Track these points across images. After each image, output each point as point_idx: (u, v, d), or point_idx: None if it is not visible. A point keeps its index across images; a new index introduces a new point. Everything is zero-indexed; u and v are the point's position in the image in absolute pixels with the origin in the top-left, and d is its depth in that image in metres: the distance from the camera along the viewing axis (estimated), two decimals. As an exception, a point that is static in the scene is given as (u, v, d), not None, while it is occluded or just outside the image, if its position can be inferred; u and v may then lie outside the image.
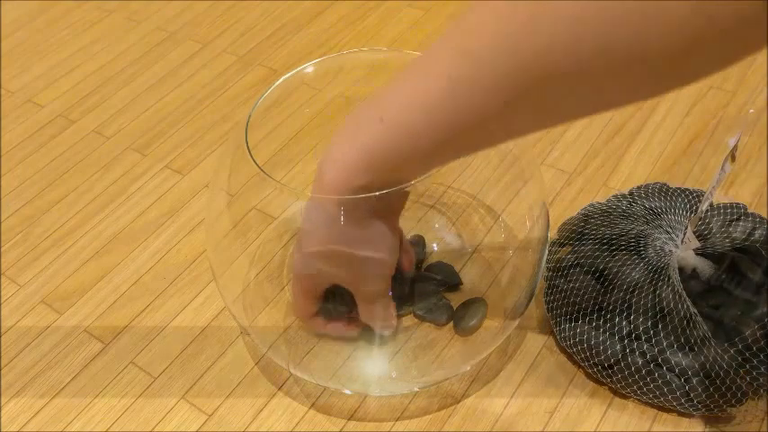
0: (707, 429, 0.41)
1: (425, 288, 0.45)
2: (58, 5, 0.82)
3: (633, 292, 0.41)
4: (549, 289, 0.45)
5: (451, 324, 0.45)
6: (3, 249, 0.56)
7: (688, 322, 0.40)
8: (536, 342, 0.46)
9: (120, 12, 0.80)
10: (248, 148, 0.38)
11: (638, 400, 0.42)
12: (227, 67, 0.71)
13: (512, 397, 0.43)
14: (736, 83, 0.60)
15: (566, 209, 0.53)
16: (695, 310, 0.39)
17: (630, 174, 0.54)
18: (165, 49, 0.74)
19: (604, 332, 0.42)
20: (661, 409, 0.42)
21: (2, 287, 0.53)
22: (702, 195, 0.45)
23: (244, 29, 0.75)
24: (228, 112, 0.66)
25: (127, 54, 0.74)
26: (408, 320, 0.46)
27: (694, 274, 0.42)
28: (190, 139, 0.63)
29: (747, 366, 0.39)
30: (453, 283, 0.46)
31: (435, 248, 0.48)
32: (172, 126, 0.65)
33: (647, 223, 0.45)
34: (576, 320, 0.43)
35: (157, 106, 0.67)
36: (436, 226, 0.50)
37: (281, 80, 0.43)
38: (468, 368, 0.44)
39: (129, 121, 0.66)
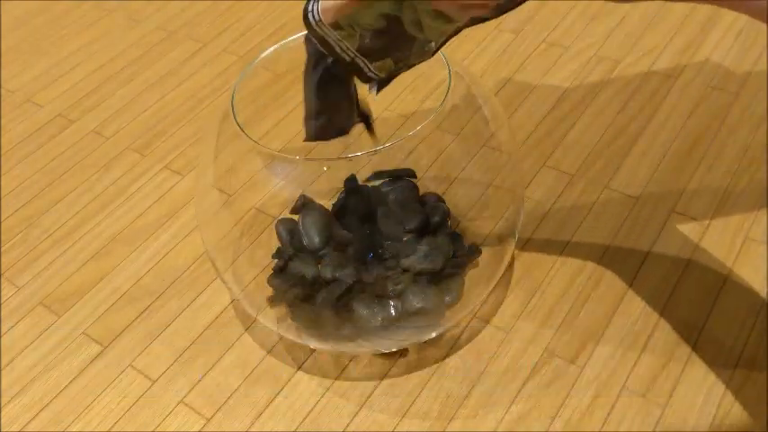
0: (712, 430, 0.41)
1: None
2: (57, 5, 0.81)
3: None
4: None
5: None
6: (2, 250, 0.56)
7: None
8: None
9: (119, 11, 0.79)
10: (235, 116, 0.39)
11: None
12: (227, 67, 0.70)
13: (514, 398, 0.43)
14: (739, 84, 0.60)
15: (568, 211, 0.52)
16: None
17: (633, 175, 0.54)
18: (164, 48, 0.74)
19: None
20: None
21: (1, 289, 0.53)
22: None
23: (244, 29, 0.75)
24: (229, 112, 0.65)
25: (126, 53, 0.74)
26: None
27: None
28: (190, 140, 0.63)
29: None
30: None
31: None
32: (172, 126, 0.65)
33: None
34: None
35: (157, 106, 0.67)
36: None
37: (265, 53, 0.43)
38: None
39: (129, 121, 0.66)
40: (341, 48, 0.35)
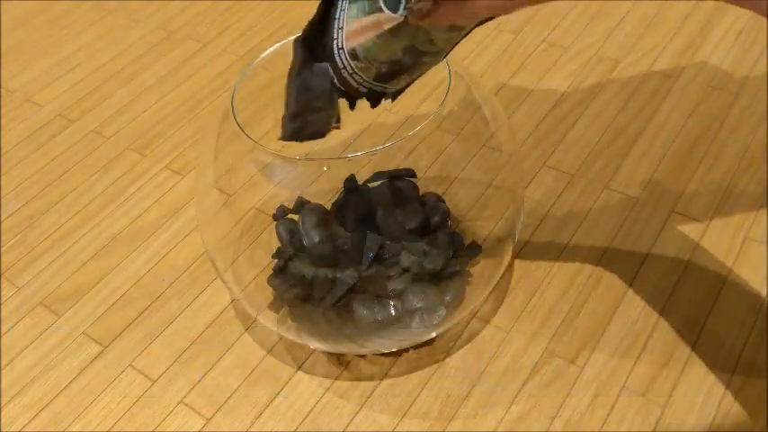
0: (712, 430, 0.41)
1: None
2: (57, 5, 0.81)
3: None
4: None
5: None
6: (2, 250, 0.56)
7: None
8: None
9: (119, 11, 0.79)
10: (234, 116, 0.39)
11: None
12: (227, 67, 0.70)
13: (514, 398, 0.43)
14: (739, 84, 0.60)
15: (568, 211, 0.52)
16: None
17: (633, 175, 0.54)
18: (164, 48, 0.74)
19: None
20: (664, 412, 0.41)
21: (1, 289, 0.53)
22: None
23: (244, 29, 0.75)
24: (229, 112, 0.65)
25: (126, 53, 0.74)
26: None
27: None
28: (190, 140, 0.63)
29: None
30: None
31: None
32: (172, 126, 0.65)
33: None
34: None
35: (157, 106, 0.67)
36: None
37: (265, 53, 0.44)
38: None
39: (129, 121, 0.66)
40: (356, 81, 0.36)
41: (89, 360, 0.48)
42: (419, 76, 0.37)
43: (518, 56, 0.66)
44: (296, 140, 0.39)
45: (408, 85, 0.38)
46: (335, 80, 0.36)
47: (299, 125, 0.39)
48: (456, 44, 0.36)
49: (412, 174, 0.48)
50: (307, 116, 0.38)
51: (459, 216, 0.49)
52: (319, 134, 0.39)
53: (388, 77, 0.36)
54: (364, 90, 0.36)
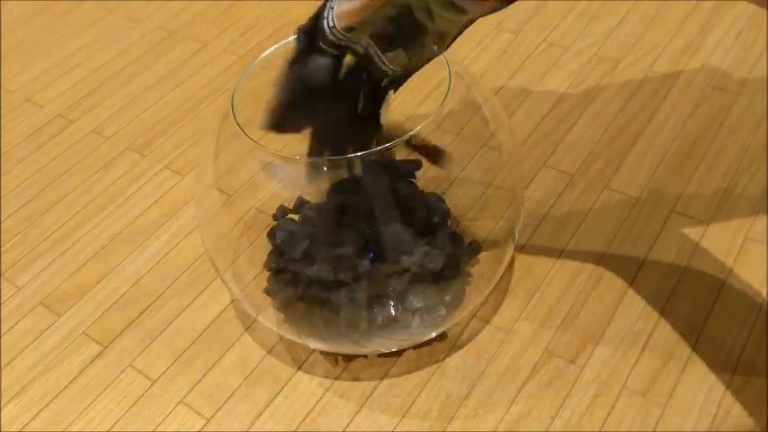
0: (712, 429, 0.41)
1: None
2: (57, 4, 0.81)
3: None
4: None
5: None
6: (2, 250, 0.56)
7: None
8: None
9: (119, 11, 0.79)
10: (234, 116, 0.39)
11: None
12: (227, 67, 0.70)
13: (514, 398, 0.43)
14: (739, 84, 0.60)
15: (567, 211, 0.52)
16: None
17: (633, 175, 0.54)
18: (164, 48, 0.74)
19: None
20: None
21: (1, 289, 0.53)
22: None
23: (244, 29, 0.75)
24: (229, 112, 0.65)
25: (126, 53, 0.74)
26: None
27: None
28: (190, 140, 0.63)
29: None
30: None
31: None
32: (172, 126, 0.65)
33: None
34: None
35: (157, 106, 0.67)
36: None
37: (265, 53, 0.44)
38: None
39: (129, 121, 0.66)
40: (353, 40, 0.36)
41: (89, 360, 0.48)
42: (421, 61, 0.37)
43: (518, 56, 0.66)
44: (276, 131, 0.40)
45: (409, 71, 0.37)
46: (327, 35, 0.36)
47: (282, 116, 0.39)
48: (460, 32, 0.35)
49: (419, 165, 0.47)
50: (294, 108, 0.39)
51: (459, 216, 0.49)
52: (299, 128, 0.40)
53: (382, 38, 0.35)
54: (362, 49, 0.36)
